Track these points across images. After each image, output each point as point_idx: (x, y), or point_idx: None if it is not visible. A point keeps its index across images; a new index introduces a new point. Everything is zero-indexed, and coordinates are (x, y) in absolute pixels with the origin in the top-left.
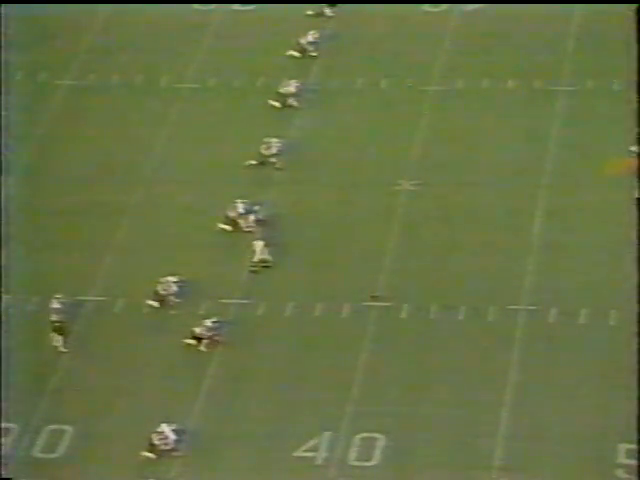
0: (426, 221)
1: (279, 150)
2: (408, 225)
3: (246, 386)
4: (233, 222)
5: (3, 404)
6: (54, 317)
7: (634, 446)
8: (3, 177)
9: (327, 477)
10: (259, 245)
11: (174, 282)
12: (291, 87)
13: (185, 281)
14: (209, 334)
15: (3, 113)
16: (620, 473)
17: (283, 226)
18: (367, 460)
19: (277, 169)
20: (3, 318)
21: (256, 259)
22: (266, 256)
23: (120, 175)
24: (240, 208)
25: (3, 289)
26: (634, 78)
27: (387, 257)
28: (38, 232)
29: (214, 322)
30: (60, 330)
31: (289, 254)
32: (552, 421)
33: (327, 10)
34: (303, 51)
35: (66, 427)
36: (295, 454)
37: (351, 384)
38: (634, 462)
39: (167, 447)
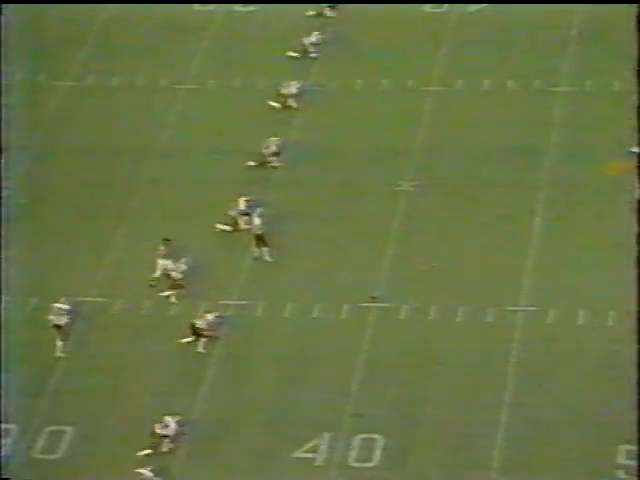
0: (425, 222)
1: (279, 151)
2: (407, 226)
3: (245, 387)
4: (233, 222)
5: (3, 405)
6: (54, 320)
7: (634, 447)
8: (3, 177)
9: (327, 478)
10: (161, 263)
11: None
12: (291, 88)
13: (185, 278)
14: (209, 329)
15: (3, 113)
16: (620, 474)
17: (282, 226)
18: (367, 461)
19: (277, 170)
20: (3, 319)
21: (157, 275)
22: (170, 272)
23: (120, 176)
24: (242, 205)
25: (3, 290)
26: (634, 78)
27: (386, 258)
28: (37, 233)
29: (216, 317)
30: (59, 334)
31: (288, 255)
32: (551, 422)
33: (327, 11)
34: (303, 52)
35: (66, 428)
36: (295, 455)
37: (350, 385)
38: (634, 463)
39: (168, 434)
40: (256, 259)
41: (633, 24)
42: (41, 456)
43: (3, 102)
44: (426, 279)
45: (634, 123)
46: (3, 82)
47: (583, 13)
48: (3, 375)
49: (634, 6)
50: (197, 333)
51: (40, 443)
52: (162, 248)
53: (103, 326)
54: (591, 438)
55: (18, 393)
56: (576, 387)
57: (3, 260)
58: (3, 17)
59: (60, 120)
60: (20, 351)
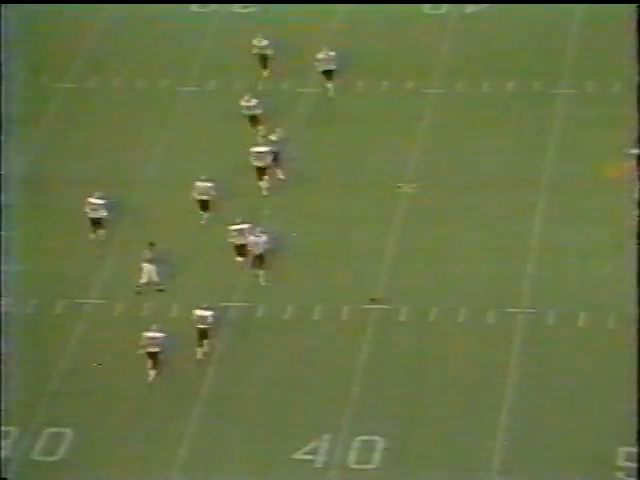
0: (425, 224)
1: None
2: (407, 228)
3: (245, 388)
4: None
5: (3, 407)
6: (90, 214)
7: (634, 449)
8: (3, 179)
9: None
10: (147, 267)
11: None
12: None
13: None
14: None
15: (3, 114)
16: (619, 476)
17: (282, 229)
18: (366, 463)
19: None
20: (3, 321)
21: (144, 281)
22: (155, 279)
23: (120, 178)
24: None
25: (3, 292)
26: (634, 80)
27: (386, 260)
28: (38, 234)
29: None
30: (98, 224)
31: (288, 257)
32: (551, 423)
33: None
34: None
35: (65, 430)
36: (294, 457)
37: (350, 387)
38: (633, 465)
39: (207, 326)
40: (267, 282)
41: (633, 24)
42: (40, 458)
43: (3, 103)
44: (426, 281)
45: (634, 124)
46: (3, 83)
47: (583, 13)
48: (3, 378)
49: (634, 6)
50: (242, 251)
51: (39, 445)
52: (147, 252)
53: (103, 328)
54: (591, 440)
55: (18, 394)
56: (576, 389)
57: (3, 260)
58: (3, 17)
59: (60, 121)
60: (20, 351)
